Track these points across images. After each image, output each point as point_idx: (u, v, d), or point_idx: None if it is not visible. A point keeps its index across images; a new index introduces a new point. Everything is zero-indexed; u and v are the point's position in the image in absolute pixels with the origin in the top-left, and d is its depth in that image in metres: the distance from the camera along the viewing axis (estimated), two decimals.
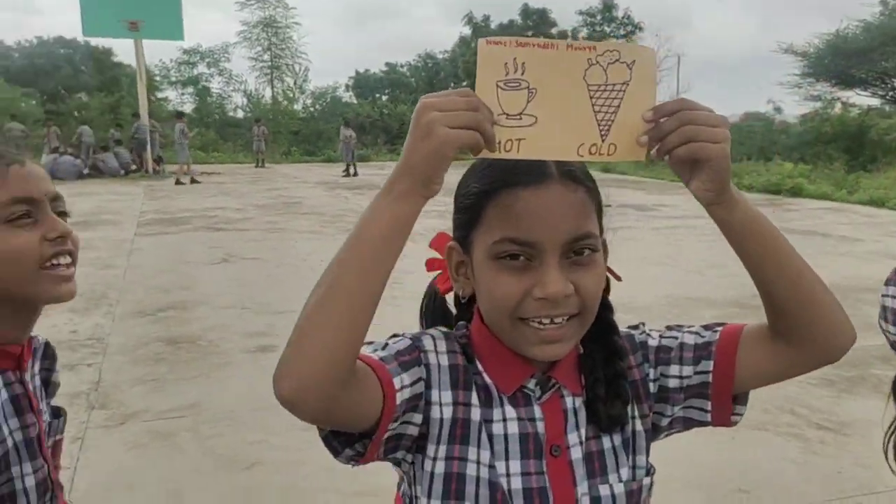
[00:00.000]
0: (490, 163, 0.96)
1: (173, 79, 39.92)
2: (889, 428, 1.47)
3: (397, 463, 1.01)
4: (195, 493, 3.27)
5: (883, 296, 1.54)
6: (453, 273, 1.04)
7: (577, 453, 1.01)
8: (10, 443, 1.14)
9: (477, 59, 0.87)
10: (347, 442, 0.92)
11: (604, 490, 1.00)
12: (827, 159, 19.89)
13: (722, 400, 1.03)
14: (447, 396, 0.97)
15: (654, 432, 1.07)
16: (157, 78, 38.36)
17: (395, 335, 1.01)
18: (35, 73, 39.39)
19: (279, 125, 32.73)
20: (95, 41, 36.24)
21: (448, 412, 0.97)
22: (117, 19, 18.29)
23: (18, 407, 1.17)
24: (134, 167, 20.53)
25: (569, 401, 1.02)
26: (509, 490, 0.97)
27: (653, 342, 1.07)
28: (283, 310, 5.80)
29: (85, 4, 18.39)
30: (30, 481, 1.16)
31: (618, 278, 1.09)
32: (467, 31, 40.69)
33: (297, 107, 37.77)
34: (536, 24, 39.58)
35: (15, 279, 1.14)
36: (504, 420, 0.99)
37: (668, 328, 1.10)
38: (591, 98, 0.88)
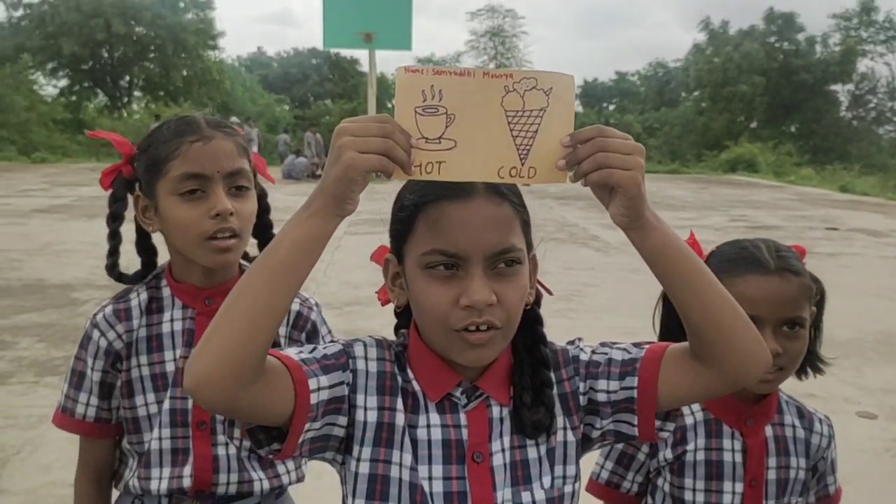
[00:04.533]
0: None
1: None
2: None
3: (330, 462, 1.07)
4: None
5: None
6: (389, 284, 1.09)
7: (499, 460, 1.04)
8: (135, 374, 1.36)
9: (396, 87, 0.92)
10: (274, 437, 0.98)
11: (525, 497, 1.03)
12: None
13: (646, 415, 1.05)
14: (373, 401, 1.02)
15: (585, 443, 1.10)
16: (394, 85, 40.74)
17: (332, 341, 1.07)
18: (289, 81, 43.73)
19: None
20: (343, 52, 39.34)
21: (373, 416, 1.02)
22: (354, 31, 19.79)
23: (160, 344, 1.37)
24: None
25: (495, 410, 1.06)
26: (430, 493, 1.01)
27: (584, 357, 1.10)
28: None
29: (327, 18, 20.11)
30: (152, 409, 1.36)
31: (549, 292, 1.14)
32: (703, 37, 38.85)
33: None
34: (781, 29, 36.81)
35: (182, 245, 1.34)
36: (428, 426, 1.03)
37: (602, 344, 1.12)
38: (508, 123, 0.92)
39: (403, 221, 1.03)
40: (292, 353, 1.00)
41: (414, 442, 1.02)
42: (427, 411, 1.04)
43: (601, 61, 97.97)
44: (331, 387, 0.99)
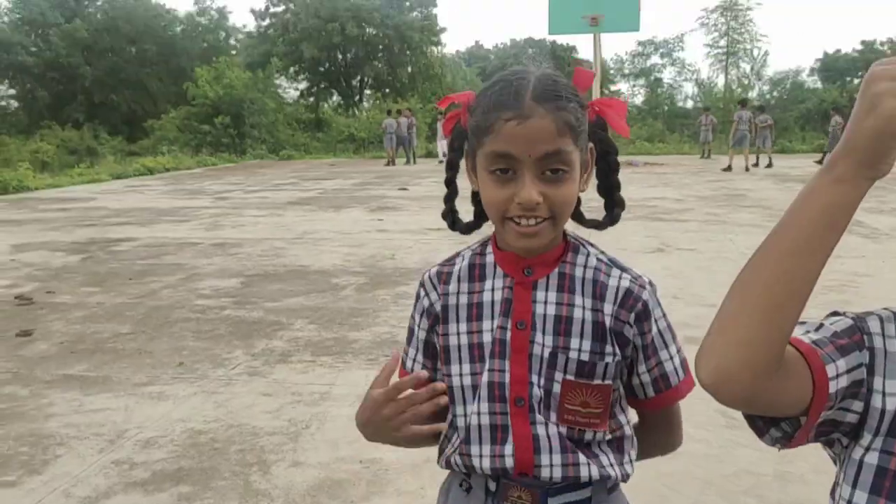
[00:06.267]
0: None
1: (626, 71, 41.27)
2: None
3: (829, 444, 0.94)
4: None
5: None
6: None
7: None
8: (452, 341, 1.33)
9: None
10: (773, 421, 0.88)
11: None
12: None
13: None
14: (893, 386, 0.86)
15: None
16: (612, 71, 40.01)
17: (834, 313, 0.92)
18: None
19: (730, 114, 31.70)
20: (560, 39, 39.20)
21: (892, 403, 0.86)
22: (580, 16, 19.48)
23: (480, 313, 1.31)
24: None
25: None
26: None
27: None
28: (714, 303, 5.59)
29: (552, 5, 19.96)
30: (466, 381, 1.32)
31: None
32: None
33: (753, 94, 35.96)
34: None
35: (492, 220, 1.29)
36: None
37: None
38: None
39: None
40: (800, 332, 0.89)
41: None
42: None
43: (843, 30, 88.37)
44: (848, 371, 0.86)
